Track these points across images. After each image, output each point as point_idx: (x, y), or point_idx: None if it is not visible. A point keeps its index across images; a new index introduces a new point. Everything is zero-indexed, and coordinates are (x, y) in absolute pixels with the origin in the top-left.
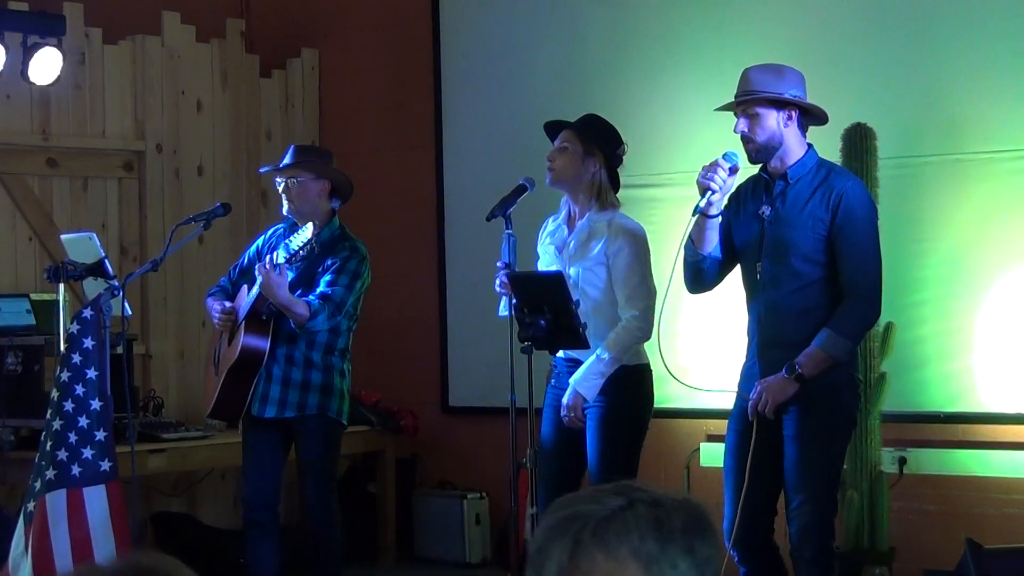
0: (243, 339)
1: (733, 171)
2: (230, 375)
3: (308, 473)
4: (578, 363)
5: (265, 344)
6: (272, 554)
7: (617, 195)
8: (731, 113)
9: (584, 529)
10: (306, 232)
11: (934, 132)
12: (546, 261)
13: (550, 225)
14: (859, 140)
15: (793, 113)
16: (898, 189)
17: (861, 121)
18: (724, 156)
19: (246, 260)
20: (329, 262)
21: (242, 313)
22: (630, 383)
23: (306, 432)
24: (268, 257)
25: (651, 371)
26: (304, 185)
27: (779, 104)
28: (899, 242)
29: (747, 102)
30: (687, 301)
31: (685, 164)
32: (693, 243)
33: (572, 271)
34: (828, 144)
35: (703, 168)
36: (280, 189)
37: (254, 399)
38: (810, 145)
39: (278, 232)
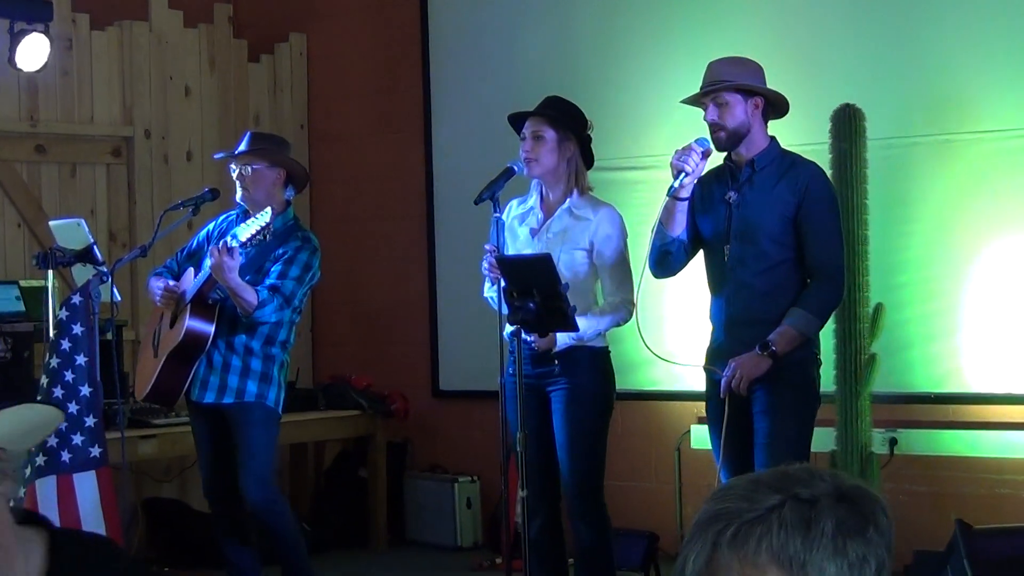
0: (188, 322)
1: (705, 155)
2: (171, 359)
3: (245, 462)
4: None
5: (210, 329)
6: (241, 543)
7: (593, 176)
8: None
9: (724, 531)
10: (264, 217)
11: (923, 113)
12: (518, 245)
13: (515, 208)
14: (848, 121)
15: (760, 102)
16: (887, 170)
17: (850, 102)
18: (697, 141)
19: (195, 244)
20: (280, 251)
21: (189, 294)
22: (597, 364)
23: (244, 419)
24: (223, 240)
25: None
26: (259, 173)
27: (747, 93)
28: (888, 222)
29: (718, 90)
30: (679, 285)
31: (672, 146)
32: (663, 226)
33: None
34: (816, 125)
35: (676, 151)
36: (234, 176)
37: (193, 384)
38: (773, 137)
39: (230, 218)
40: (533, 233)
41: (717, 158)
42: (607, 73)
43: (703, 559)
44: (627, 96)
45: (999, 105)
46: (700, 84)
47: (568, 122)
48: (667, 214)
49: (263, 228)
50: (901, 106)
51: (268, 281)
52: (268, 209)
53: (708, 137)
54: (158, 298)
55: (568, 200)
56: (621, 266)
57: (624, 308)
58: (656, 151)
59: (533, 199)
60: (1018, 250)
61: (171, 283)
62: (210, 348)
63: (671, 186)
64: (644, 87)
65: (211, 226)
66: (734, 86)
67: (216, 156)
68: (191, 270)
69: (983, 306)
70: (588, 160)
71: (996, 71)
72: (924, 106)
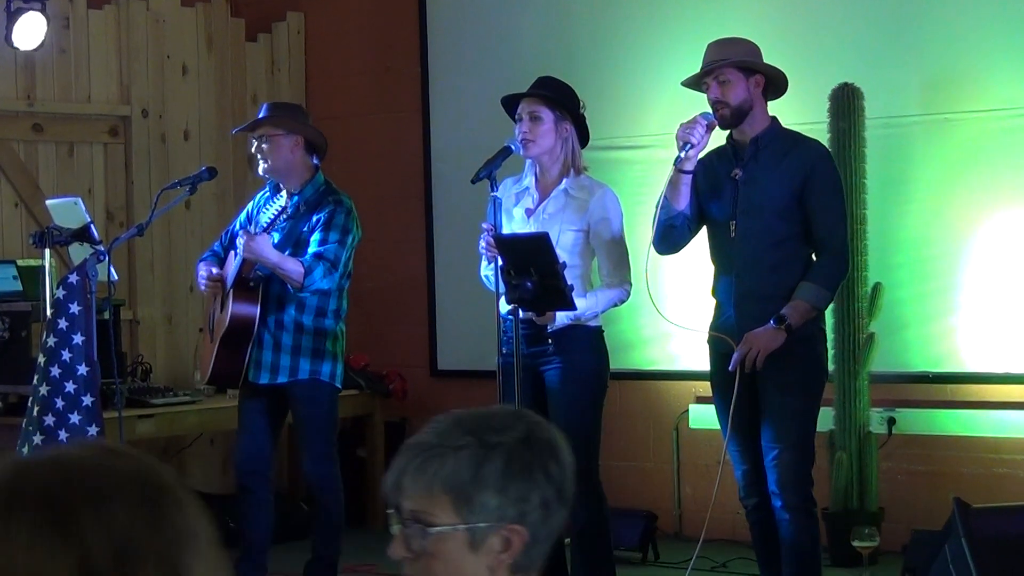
0: (232, 307)
1: (710, 128)
2: (223, 343)
3: (303, 438)
4: (535, 324)
5: (255, 311)
6: (264, 519)
7: (588, 155)
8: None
9: (413, 460)
10: (280, 200)
11: (921, 92)
12: (513, 225)
13: (510, 188)
14: (846, 100)
15: (760, 80)
16: (886, 149)
17: (848, 81)
18: (702, 114)
19: (237, 225)
20: (315, 219)
21: (229, 280)
22: (591, 343)
23: (300, 397)
24: (245, 228)
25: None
26: (276, 141)
27: (748, 71)
28: (886, 202)
29: (720, 66)
30: (676, 264)
31: (668, 127)
32: (667, 200)
33: None
34: (815, 104)
35: (682, 124)
36: (253, 149)
37: (250, 365)
38: (774, 117)
39: (265, 195)
40: (529, 213)
41: (719, 138)
42: (604, 53)
43: (393, 480)
44: (624, 76)
45: (997, 84)
46: (699, 66)
47: (564, 102)
48: (672, 188)
49: (281, 209)
50: (899, 85)
51: (309, 251)
52: (283, 193)
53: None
54: (203, 287)
55: (564, 181)
56: (618, 247)
57: (621, 288)
58: (652, 131)
59: (528, 179)
60: (1016, 229)
61: (214, 270)
62: (260, 328)
63: (677, 157)
64: (641, 67)
65: (250, 205)
66: (735, 63)
67: (234, 131)
68: (232, 254)
69: (981, 285)
70: (583, 138)
71: (994, 50)
72: (922, 85)
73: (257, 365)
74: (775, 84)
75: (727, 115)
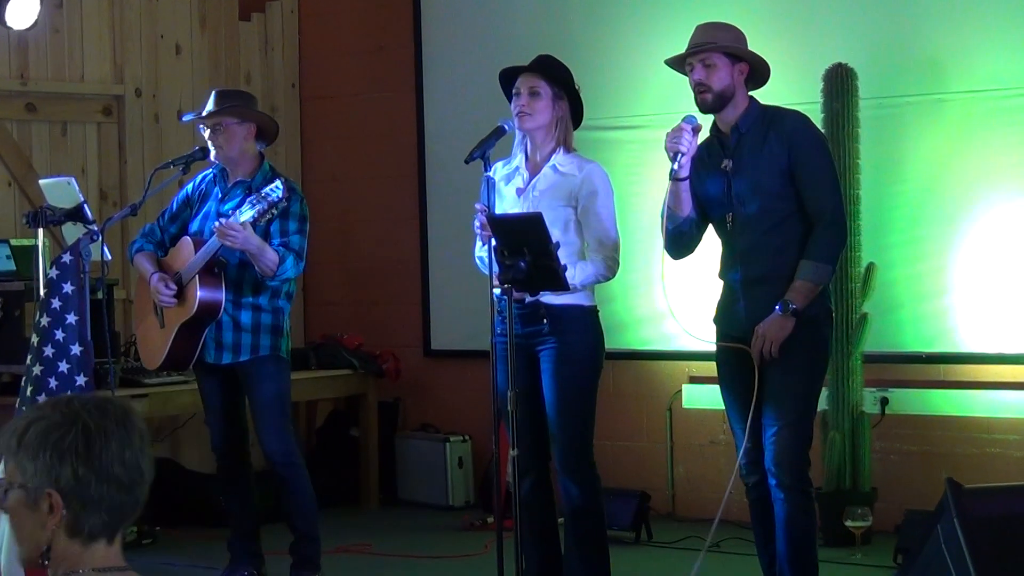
0: (200, 294)
1: (695, 131)
2: (184, 328)
3: (267, 414)
4: (529, 305)
5: (220, 296)
6: (246, 499)
7: (581, 135)
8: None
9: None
10: (276, 192)
11: (915, 72)
12: (504, 205)
13: (500, 170)
14: (840, 80)
15: (745, 68)
16: (879, 129)
17: (842, 61)
18: (685, 120)
19: (175, 206)
20: None
21: (193, 269)
22: (589, 323)
23: (261, 373)
24: (223, 219)
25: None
26: (230, 130)
27: (733, 58)
28: (880, 182)
29: (706, 50)
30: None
31: (660, 107)
32: (671, 210)
33: None
34: (809, 85)
35: (668, 134)
36: (206, 136)
37: (206, 347)
38: (751, 97)
39: (207, 178)
40: (519, 192)
41: (704, 131)
42: (598, 32)
43: None
44: (616, 57)
45: (990, 64)
46: (686, 47)
47: (563, 79)
48: (674, 197)
49: (274, 203)
50: (893, 65)
51: (274, 241)
52: (278, 183)
53: (695, 106)
54: (163, 298)
55: (553, 157)
56: (605, 222)
57: (606, 264)
58: (645, 111)
59: (518, 159)
60: (1008, 210)
61: (172, 286)
62: None
63: (671, 169)
64: (634, 48)
65: (189, 187)
66: (722, 48)
67: (184, 118)
68: (188, 240)
69: (973, 266)
70: (577, 119)
71: (987, 30)
72: (916, 65)
73: (218, 346)
74: (759, 73)
75: (708, 99)
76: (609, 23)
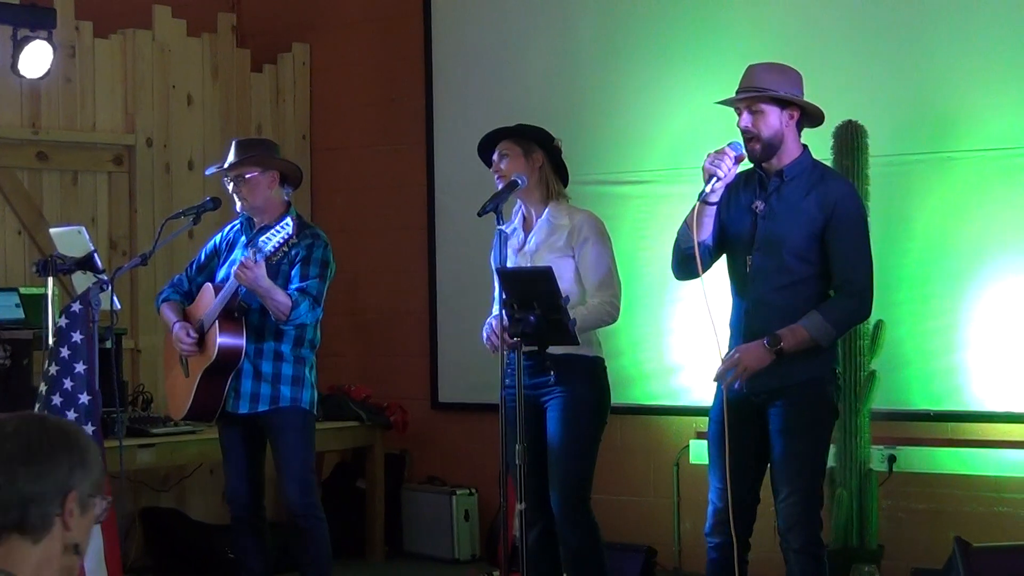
0: (219, 339)
1: (738, 160)
2: (206, 376)
3: (287, 466)
4: (536, 356)
5: (241, 341)
6: (260, 550)
7: (588, 189)
8: (722, 108)
9: None
10: (287, 228)
11: (925, 130)
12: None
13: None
14: (850, 138)
15: (795, 113)
16: (889, 187)
17: (852, 119)
18: (730, 145)
19: (203, 257)
20: (293, 253)
21: (213, 314)
22: (595, 374)
23: (281, 425)
24: (245, 256)
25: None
26: (254, 180)
27: (783, 103)
28: (890, 240)
29: (754, 98)
30: (679, 299)
31: (669, 163)
32: (688, 229)
33: None
34: (819, 141)
35: (709, 155)
36: (230, 189)
37: (229, 395)
38: (805, 146)
39: (235, 228)
40: (515, 251)
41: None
42: (607, 87)
43: None
44: (626, 112)
45: (999, 122)
46: (707, 102)
47: (530, 137)
48: (697, 218)
49: (287, 239)
50: (903, 123)
51: (292, 285)
52: (288, 220)
53: (741, 142)
54: (184, 346)
55: (545, 211)
56: (601, 268)
57: (603, 307)
58: (653, 166)
59: (517, 220)
60: (1017, 269)
61: (192, 334)
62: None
63: (702, 190)
64: (643, 103)
65: (217, 238)
66: (770, 96)
67: (208, 171)
68: (209, 287)
69: (981, 324)
70: (563, 176)
71: (996, 89)
72: (925, 124)
73: (237, 395)
74: (811, 116)
75: (757, 150)
76: (619, 78)
